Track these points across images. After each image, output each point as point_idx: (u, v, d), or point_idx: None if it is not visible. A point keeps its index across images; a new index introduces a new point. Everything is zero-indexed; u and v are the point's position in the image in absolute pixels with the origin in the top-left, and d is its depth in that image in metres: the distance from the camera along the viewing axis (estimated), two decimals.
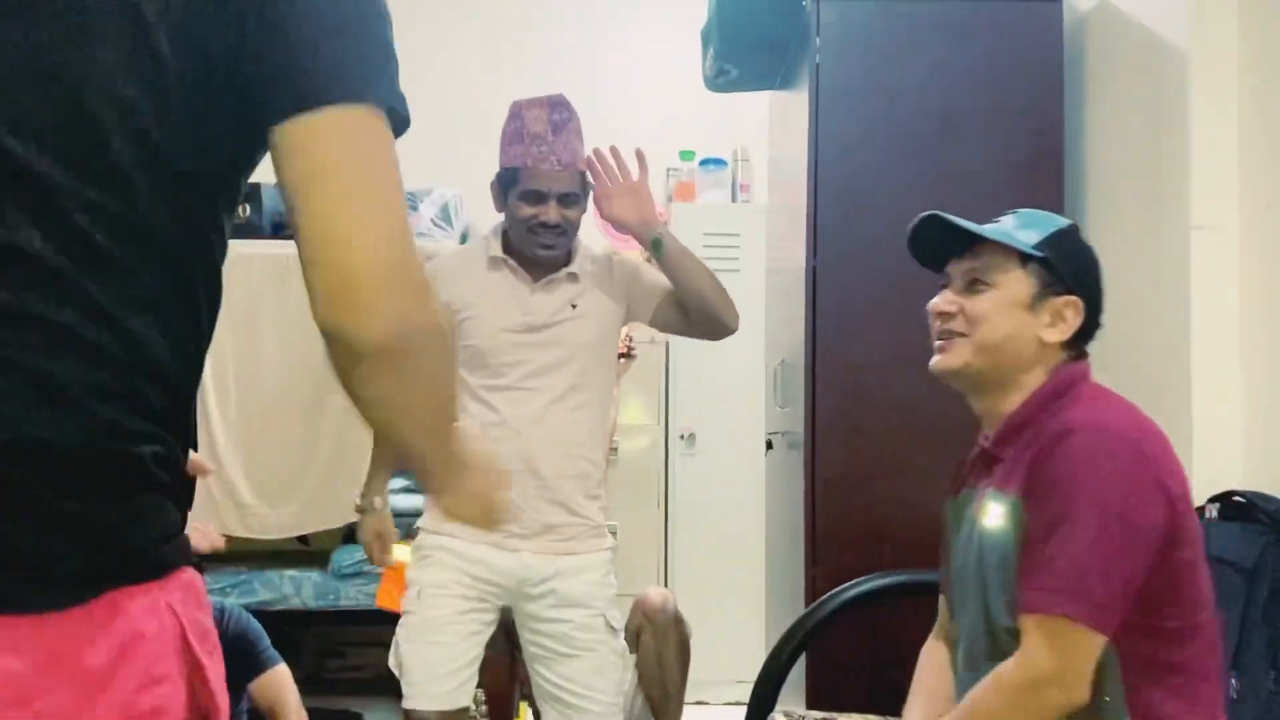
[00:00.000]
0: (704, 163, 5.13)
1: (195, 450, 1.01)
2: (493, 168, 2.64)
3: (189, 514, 1.02)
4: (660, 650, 3.38)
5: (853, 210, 2.98)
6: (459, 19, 5.43)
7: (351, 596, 4.05)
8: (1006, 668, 1.65)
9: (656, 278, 2.70)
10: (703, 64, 3.71)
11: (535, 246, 2.58)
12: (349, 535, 4.09)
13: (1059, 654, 1.61)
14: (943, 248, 1.86)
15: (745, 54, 3.53)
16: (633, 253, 3.25)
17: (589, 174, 2.65)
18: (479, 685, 2.78)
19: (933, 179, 3.00)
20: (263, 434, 4.14)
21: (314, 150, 0.92)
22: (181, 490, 0.98)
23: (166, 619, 0.92)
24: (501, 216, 2.67)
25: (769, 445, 3.59)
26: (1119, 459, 1.64)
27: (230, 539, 3.65)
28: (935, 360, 1.84)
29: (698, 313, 2.65)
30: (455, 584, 2.52)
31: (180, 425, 0.97)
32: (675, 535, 4.85)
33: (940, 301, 1.84)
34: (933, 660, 1.98)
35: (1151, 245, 2.72)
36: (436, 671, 2.50)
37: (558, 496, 2.55)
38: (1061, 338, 1.79)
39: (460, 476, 1.18)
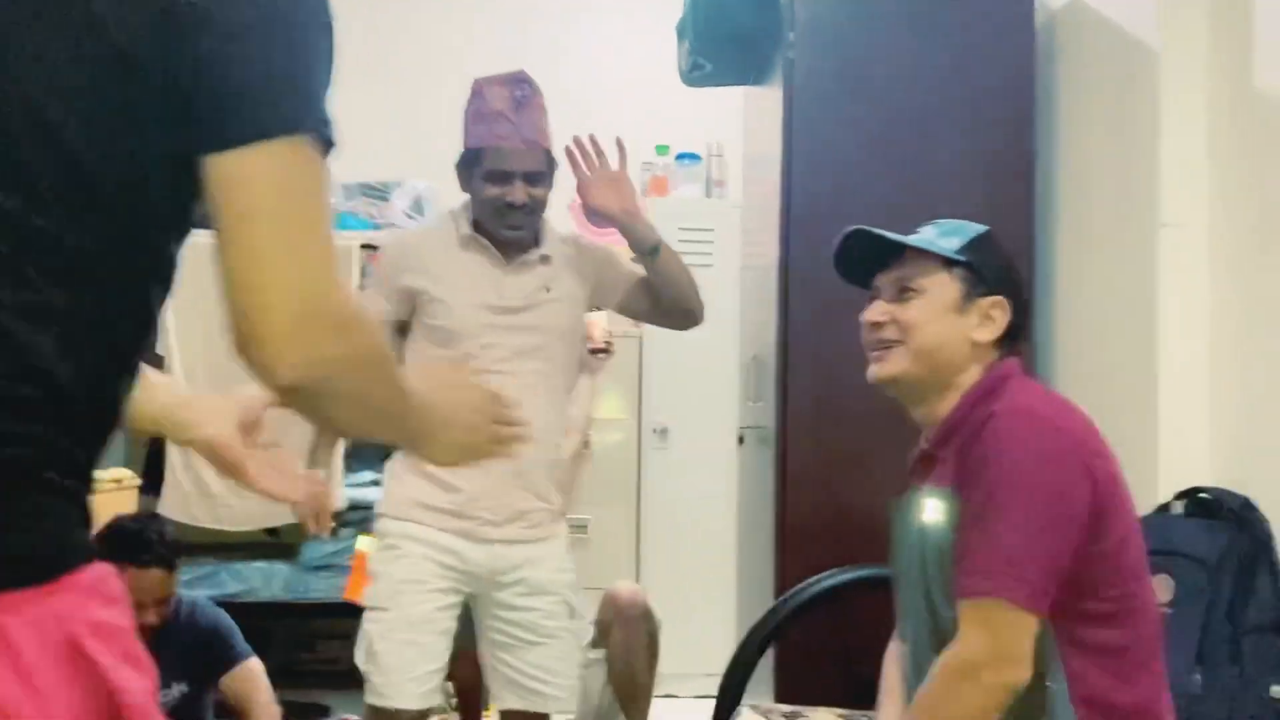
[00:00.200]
0: (679, 157, 5.13)
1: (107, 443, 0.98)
2: None
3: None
4: (629, 644, 3.38)
5: (826, 206, 2.99)
6: (432, 11, 5.41)
7: (321, 589, 4.03)
8: (945, 655, 1.67)
9: (628, 266, 2.69)
10: (678, 58, 3.70)
11: (503, 228, 2.52)
12: None
13: (993, 635, 1.62)
14: (869, 261, 1.90)
15: (720, 48, 3.53)
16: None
17: (577, 157, 2.60)
18: (448, 678, 2.77)
19: (905, 175, 3.01)
20: None
21: (237, 192, 0.90)
22: (84, 487, 0.93)
23: (49, 627, 0.87)
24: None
25: (741, 440, 3.60)
26: (1041, 440, 1.68)
27: (199, 531, 3.63)
28: (872, 370, 1.88)
29: (672, 304, 2.64)
30: (432, 578, 2.47)
31: (89, 424, 0.93)
32: (647, 529, 4.85)
33: (872, 312, 1.88)
34: (897, 661, 2.00)
35: (1120, 242, 2.74)
36: (414, 671, 2.45)
37: (528, 482, 2.53)
38: (991, 337, 1.83)
39: (432, 432, 1.17)
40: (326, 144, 0.94)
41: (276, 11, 0.92)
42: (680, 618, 4.10)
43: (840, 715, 2.33)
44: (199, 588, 3.87)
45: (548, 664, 2.56)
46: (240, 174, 0.90)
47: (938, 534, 1.75)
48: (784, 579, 2.86)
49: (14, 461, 0.88)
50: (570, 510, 3.91)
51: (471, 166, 2.53)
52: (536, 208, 2.53)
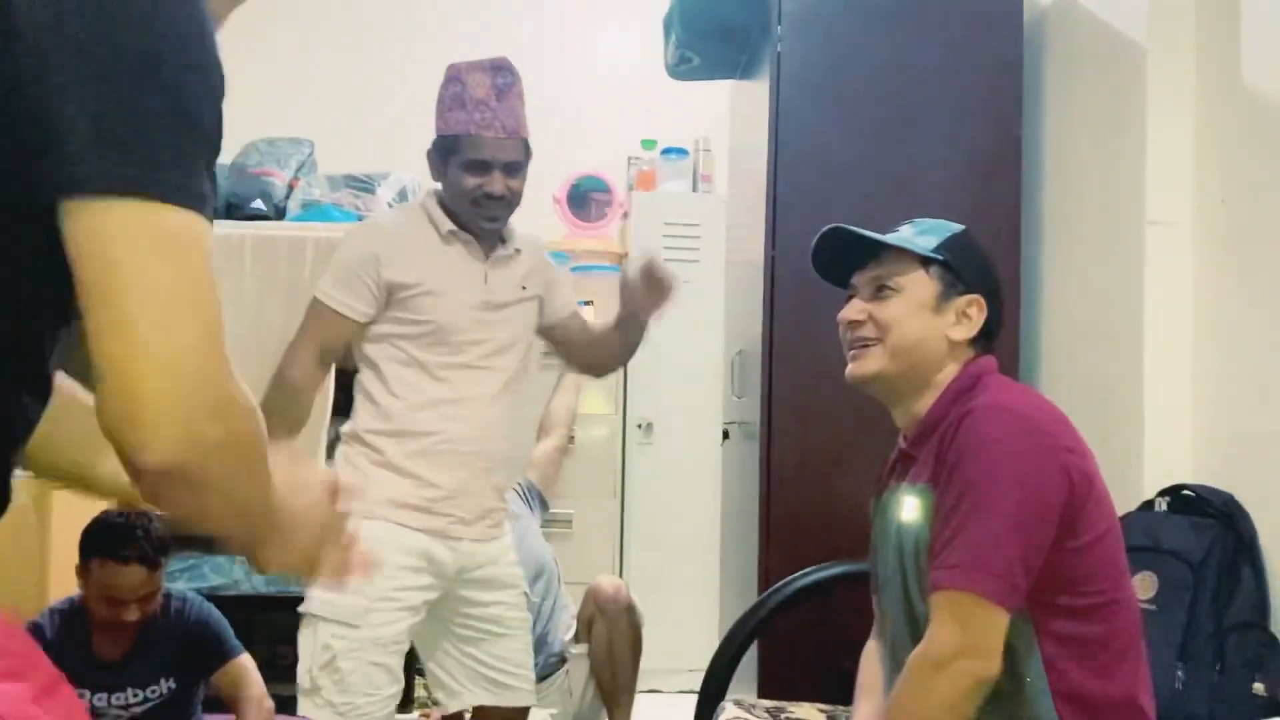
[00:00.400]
0: (665, 151, 5.12)
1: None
2: None
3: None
4: (612, 639, 3.38)
5: (812, 201, 2.98)
6: (418, 3, 5.39)
7: (303, 583, 4.01)
8: (916, 650, 1.67)
9: (569, 294, 2.71)
10: (665, 51, 3.70)
11: (479, 219, 2.46)
12: None
13: (962, 628, 1.63)
14: (847, 259, 1.91)
15: (707, 42, 3.53)
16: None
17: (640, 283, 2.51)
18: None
19: (892, 171, 3.01)
20: None
21: (98, 252, 0.82)
22: None
23: None
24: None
25: (725, 435, 3.59)
26: (1016, 436, 1.68)
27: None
28: (851, 368, 1.89)
29: (594, 358, 2.72)
30: (403, 594, 2.39)
31: None
32: (631, 524, 4.85)
33: (850, 310, 1.89)
34: (874, 660, 2.00)
35: (1106, 239, 2.74)
36: (381, 694, 2.39)
37: (496, 479, 2.54)
38: (968, 335, 1.84)
39: (276, 535, 1.07)
40: (204, 216, 0.85)
41: (127, 58, 0.83)
42: (664, 613, 4.10)
43: (823, 710, 2.33)
44: (180, 580, 3.85)
45: (514, 657, 2.57)
46: (102, 230, 0.82)
47: (914, 531, 1.75)
48: (768, 574, 2.85)
49: None
50: (553, 504, 3.94)
51: (448, 154, 2.46)
52: (513, 200, 2.48)
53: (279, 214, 4.24)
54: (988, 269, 1.90)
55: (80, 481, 1.23)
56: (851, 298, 1.90)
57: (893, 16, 3.06)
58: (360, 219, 3.99)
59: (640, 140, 5.16)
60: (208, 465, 0.87)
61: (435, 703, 3.39)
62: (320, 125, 4.68)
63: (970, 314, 1.84)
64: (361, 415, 2.49)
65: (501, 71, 2.46)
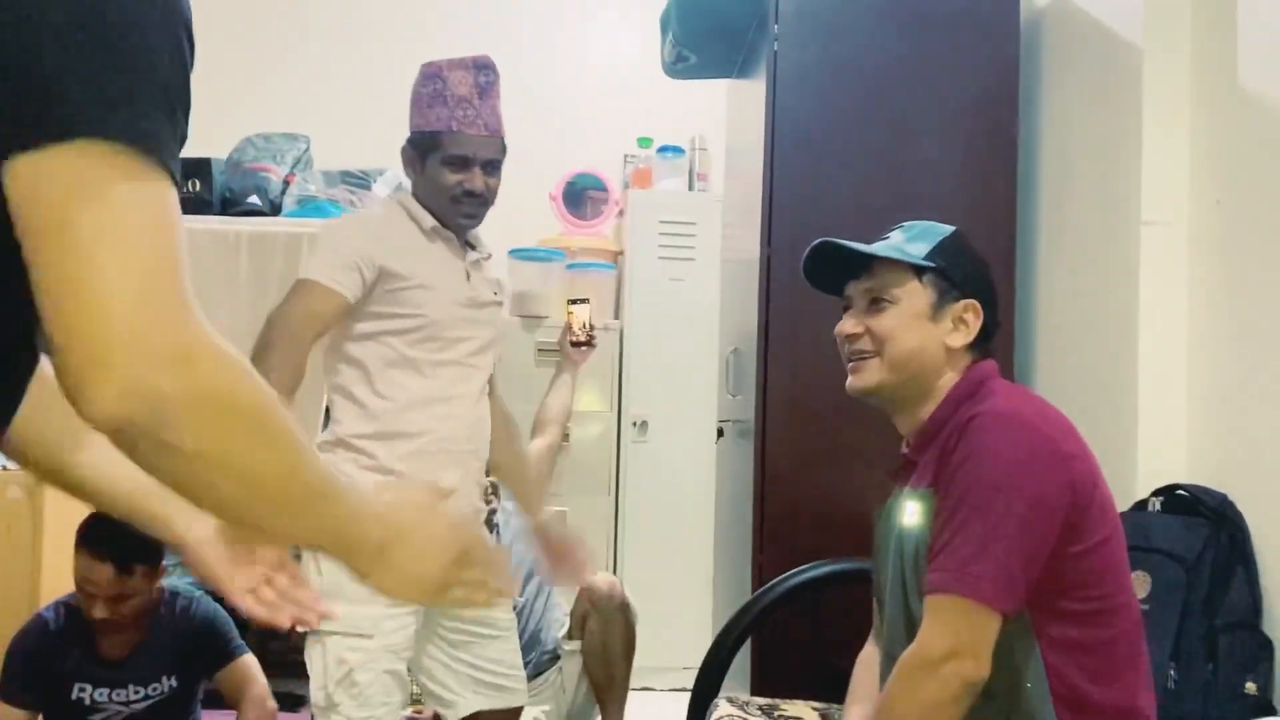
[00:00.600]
0: (662, 150, 5.12)
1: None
2: None
3: None
4: (605, 636, 3.38)
5: (807, 200, 2.99)
6: (415, 2, 5.38)
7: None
8: (906, 652, 1.67)
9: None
10: (662, 50, 3.70)
11: (458, 215, 2.45)
12: None
13: (952, 631, 1.63)
14: (840, 269, 1.90)
15: (704, 40, 3.53)
16: None
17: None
18: None
19: (887, 170, 3.01)
20: None
21: (40, 203, 0.77)
22: None
23: None
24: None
25: (720, 433, 3.59)
26: (1018, 442, 1.68)
27: None
28: (851, 381, 1.89)
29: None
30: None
31: None
32: (625, 522, 4.85)
33: (846, 324, 1.89)
34: (868, 666, 2.00)
35: (1102, 239, 2.74)
36: (393, 700, 2.37)
37: (483, 480, 2.55)
38: (966, 341, 1.84)
39: (387, 552, 1.01)
40: (151, 156, 0.80)
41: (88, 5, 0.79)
42: (658, 610, 4.11)
43: (816, 708, 2.34)
44: (172, 575, 3.84)
45: (507, 658, 2.56)
46: (43, 181, 0.77)
47: (915, 536, 1.75)
48: (762, 572, 2.86)
49: None
50: (547, 501, 3.94)
51: (427, 151, 2.45)
52: (490, 198, 2.48)
53: (275, 210, 4.24)
54: (981, 272, 1.90)
55: (59, 475, 1.20)
56: (846, 309, 1.91)
57: (889, 17, 3.06)
58: None
59: (636, 138, 5.15)
60: (167, 420, 0.79)
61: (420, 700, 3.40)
62: (316, 121, 4.68)
63: (967, 319, 1.84)
64: (345, 420, 2.41)
65: (484, 70, 2.45)
